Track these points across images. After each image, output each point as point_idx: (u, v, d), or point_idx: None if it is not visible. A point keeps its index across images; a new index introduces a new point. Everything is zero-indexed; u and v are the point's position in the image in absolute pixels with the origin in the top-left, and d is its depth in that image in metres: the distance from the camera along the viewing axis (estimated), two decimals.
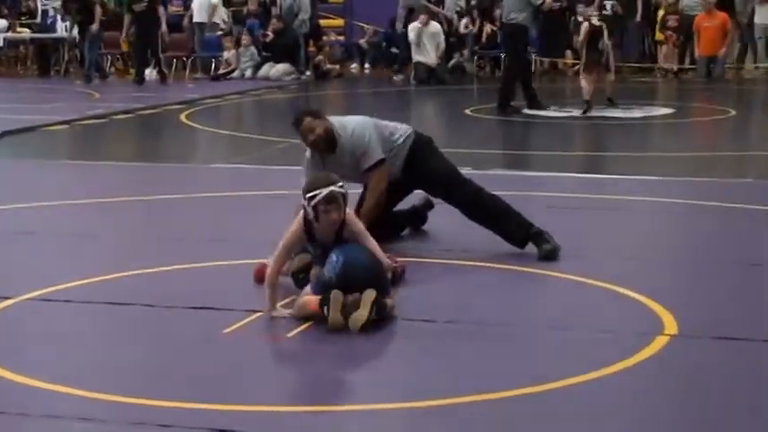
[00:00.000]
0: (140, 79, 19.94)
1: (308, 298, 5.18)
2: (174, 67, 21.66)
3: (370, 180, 6.60)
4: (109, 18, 21.55)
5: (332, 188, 5.32)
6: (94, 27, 20.16)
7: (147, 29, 19.85)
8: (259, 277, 5.77)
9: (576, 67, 15.20)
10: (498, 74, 20.88)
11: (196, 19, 22.04)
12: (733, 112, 15.13)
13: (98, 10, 20.39)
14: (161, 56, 20.55)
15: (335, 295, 5.01)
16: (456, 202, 6.72)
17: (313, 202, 5.31)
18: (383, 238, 5.88)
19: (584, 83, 14.38)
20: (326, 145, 6.46)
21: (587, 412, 4.09)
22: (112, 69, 22.55)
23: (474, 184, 6.73)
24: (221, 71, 21.13)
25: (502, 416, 4.06)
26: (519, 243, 6.51)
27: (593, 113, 14.49)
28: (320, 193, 5.30)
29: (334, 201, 5.32)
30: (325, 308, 5.00)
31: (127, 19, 20.32)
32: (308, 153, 6.59)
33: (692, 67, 21.11)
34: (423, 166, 6.73)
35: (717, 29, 20.37)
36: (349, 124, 6.61)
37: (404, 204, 7.10)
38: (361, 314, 4.98)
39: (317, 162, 6.50)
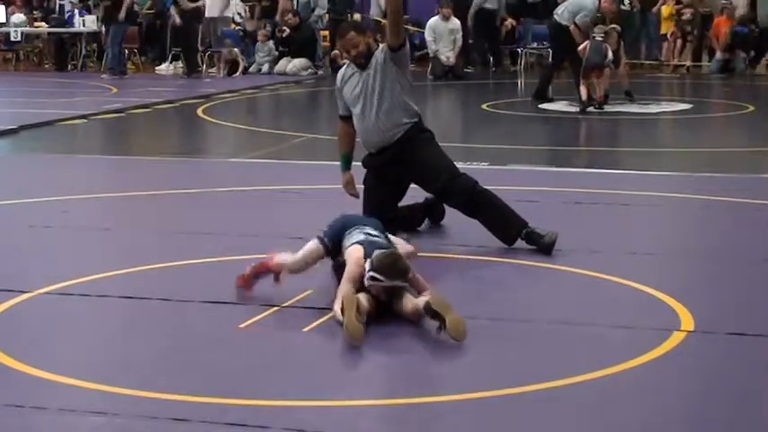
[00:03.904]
0: (197, 72, 20.36)
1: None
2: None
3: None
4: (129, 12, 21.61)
5: (396, 283, 5.16)
6: (121, 16, 20.13)
7: (191, 23, 20.18)
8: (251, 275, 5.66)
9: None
10: (513, 69, 20.82)
11: (208, 14, 22.06)
12: (751, 108, 15.06)
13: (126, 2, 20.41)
14: (200, 50, 20.72)
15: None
16: (450, 195, 6.69)
17: (373, 284, 5.15)
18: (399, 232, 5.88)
19: (582, 89, 14.50)
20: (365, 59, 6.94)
21: (604, 408, 4.08)
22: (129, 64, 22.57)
23: (470, 177, 6.69)
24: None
25: (519, 411, 4.06)
26: (511, 240, 6.50)
27: (611, 109, 14.52)
28: (383, 282, 5.13)
29: (391, 293, 5.18)
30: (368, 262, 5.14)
31: (174, 11, 20.47)
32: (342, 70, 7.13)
33: (707, 63, 21.02)
34: (419, 155, 6.69)
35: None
36: None
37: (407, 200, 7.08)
38: (460, 319, 4.77)
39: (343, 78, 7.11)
